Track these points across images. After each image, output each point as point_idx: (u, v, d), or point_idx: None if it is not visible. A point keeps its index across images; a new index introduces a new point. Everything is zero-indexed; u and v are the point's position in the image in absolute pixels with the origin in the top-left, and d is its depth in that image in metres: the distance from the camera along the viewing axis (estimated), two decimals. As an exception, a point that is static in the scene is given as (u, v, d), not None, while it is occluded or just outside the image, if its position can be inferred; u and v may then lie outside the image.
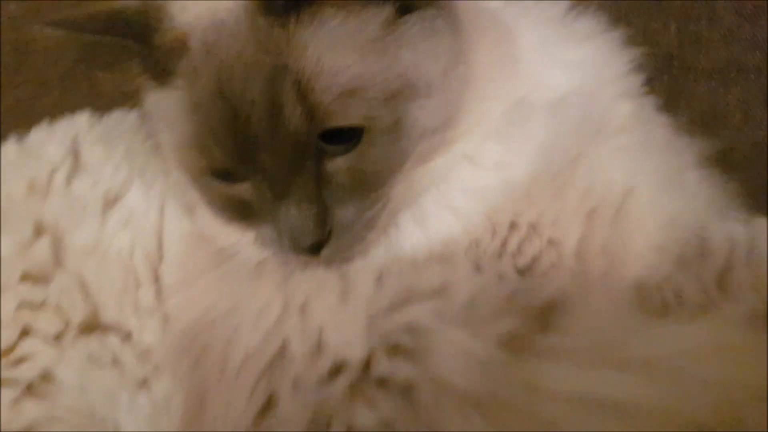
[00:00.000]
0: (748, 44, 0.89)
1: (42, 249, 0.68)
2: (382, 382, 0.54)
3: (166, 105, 0.57)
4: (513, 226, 0.62)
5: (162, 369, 0.67)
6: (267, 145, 0.52)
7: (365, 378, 0.55)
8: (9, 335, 0.65)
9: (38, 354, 0.65)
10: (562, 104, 0.64)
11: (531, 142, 0.62)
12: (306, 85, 0.52)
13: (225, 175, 0.57)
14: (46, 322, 0.65)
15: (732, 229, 0.68)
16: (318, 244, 0.57)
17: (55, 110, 0.81)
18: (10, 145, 0.77)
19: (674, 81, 0.89)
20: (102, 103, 0.82)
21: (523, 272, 0.62)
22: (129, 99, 0.74)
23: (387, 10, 0.55)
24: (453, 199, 0.62)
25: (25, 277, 0.67)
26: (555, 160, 0.63)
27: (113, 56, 0.58)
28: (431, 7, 0.58)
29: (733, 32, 0.90)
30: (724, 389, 0.52)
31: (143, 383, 0.67)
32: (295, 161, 0.54)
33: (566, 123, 0.64)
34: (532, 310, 0.56)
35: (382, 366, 0.54)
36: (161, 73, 0.56)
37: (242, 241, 0.64)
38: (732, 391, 0.52)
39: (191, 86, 0.54)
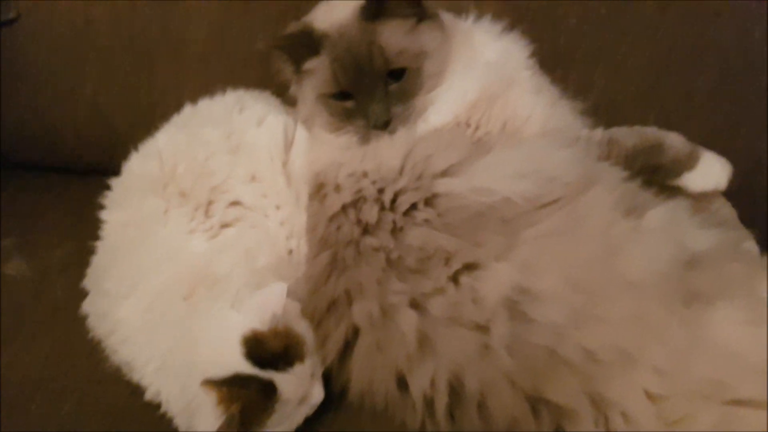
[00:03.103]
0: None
1: (234, 138, 1.26)
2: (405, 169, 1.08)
3: (316, 65, 1.13)
4: (467, 122, 1.14)
5: (285, 203, 1.23)
6: (366, 75, 1.10)
7: (399, 177, 1.07)
8: (222, 176, 1.23)
9: (233, 189, 1.23)
10: (491, 66, 1.17)
11: (476, 81, 1.15)
12: (383, 49, 1.08)
13: (342, 96, 1.14)
14: (239, 167, 1.24)
15: (584, 132, 1.18)
16: (386, 122, 1.11)
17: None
18: (205, 101, 1.37)
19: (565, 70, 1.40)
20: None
21: (474, 142, 1.14)
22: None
23: (414, 19, 1.10)
24: (440, 108, 1.15)
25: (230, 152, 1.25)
26: (488, 91, 1.14)
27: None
28: (432, 19, 1.12)
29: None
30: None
31: (277, 207, 1.24)
32: (377, 85, 1.10)
33: (493, 74, 1.16)
34: (473, 152, 1.12)
35: (408, 167, 1.08)
36: (312, 51, 1.14)
37: (337, 137, 1.19)
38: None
39: (332, 53, 1.11)
